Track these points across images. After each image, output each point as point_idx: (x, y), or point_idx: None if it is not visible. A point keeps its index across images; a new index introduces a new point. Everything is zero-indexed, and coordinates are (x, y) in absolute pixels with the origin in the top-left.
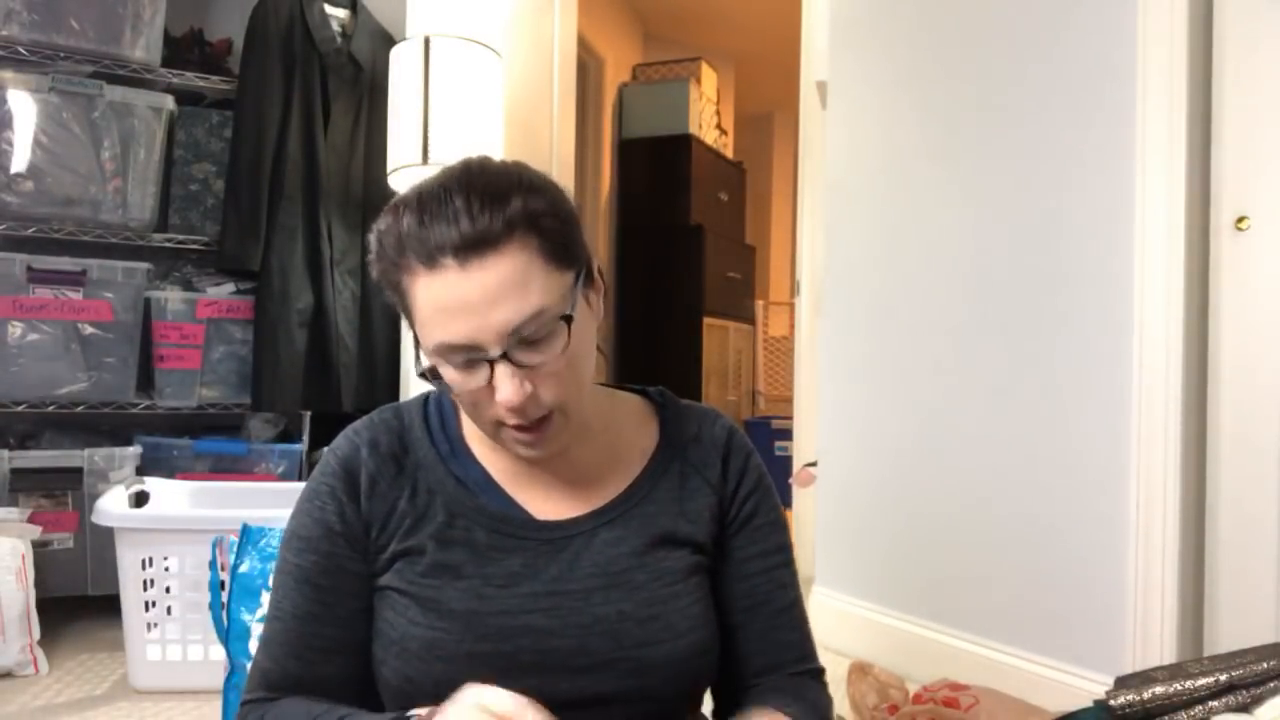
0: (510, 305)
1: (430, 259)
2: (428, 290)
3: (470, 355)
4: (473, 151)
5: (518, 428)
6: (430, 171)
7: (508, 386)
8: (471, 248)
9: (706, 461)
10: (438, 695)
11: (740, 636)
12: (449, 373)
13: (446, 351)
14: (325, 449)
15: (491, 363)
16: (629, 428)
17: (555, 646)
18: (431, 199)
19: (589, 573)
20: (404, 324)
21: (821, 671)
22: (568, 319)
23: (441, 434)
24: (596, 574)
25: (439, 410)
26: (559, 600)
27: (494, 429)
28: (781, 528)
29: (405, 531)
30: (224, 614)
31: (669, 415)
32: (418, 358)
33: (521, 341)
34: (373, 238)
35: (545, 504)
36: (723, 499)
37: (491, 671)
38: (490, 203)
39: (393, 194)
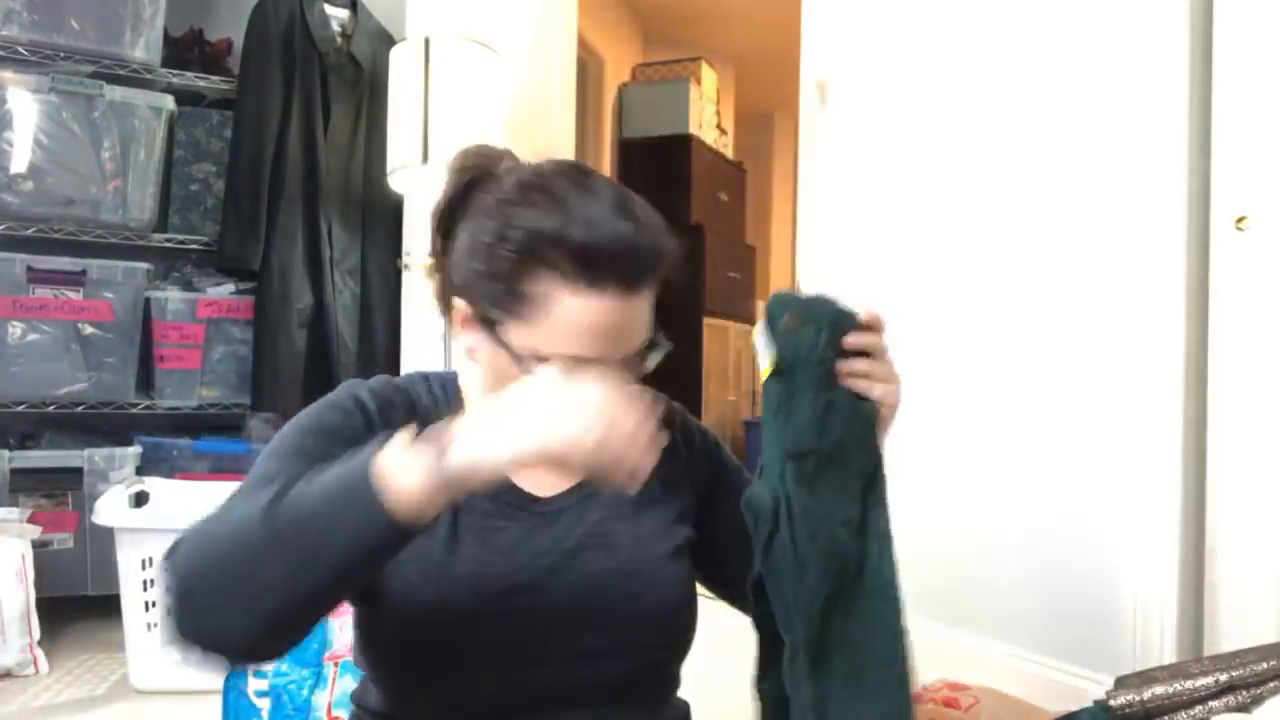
0: (637, 334)
1: (595, 281)
2: (580, 309)
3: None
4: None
5: None
6: (431, 172)
7: None
8: (635, 281)
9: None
10: (439, 650)
11: (736, 564)
12: (544, 370)
13: (569, 363)
14: (338, 389)
15: None
16: None
17: (551, 604)
18: (596, 213)
19: (578, 536)
20: (404, 321)
21: None
22: (654, 343)
23: (447, 411)
24: (585, 536)
25: (443, 390)
26: (554, 561)
27: None
28: (742, 469)
29: None
30: None
31: None
32: (494, 340)
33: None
34: (509, 227)
35: (536, 481)
36: (691, 460)
37: (493, 629)
38: (653, 259)
39: (393, 194)
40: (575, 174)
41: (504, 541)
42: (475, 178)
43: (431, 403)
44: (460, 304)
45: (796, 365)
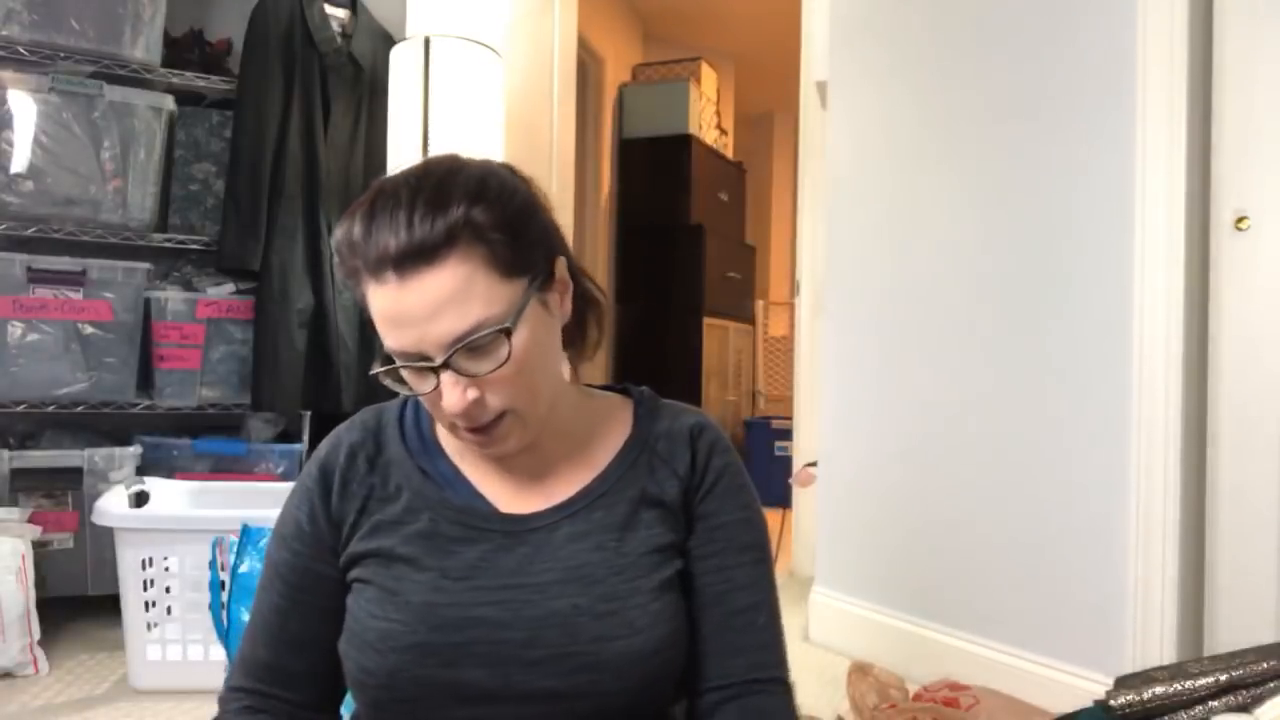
0: (449, 318)
1: (375, 270)
2: (375, 299)
3: (417, 362)
4: (473, 151)
5: (468, 429)
6: None
7: (451, 394)
8: (410, 260)
9: (674, 453)
10: (391, 686)
11: (695, 636)
12: (406, 374)
13: (398, 356)
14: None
15: (436, 371)
16: (603, 426)
17: (507, 638)
18: (381, 202)
19: (547, 566)
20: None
21: (784, 682)
22: (507, 331)
23: (415, 431)
24: (555, 568)
25: (415, 409)
26: (514, 593)
27: (450, 427)
28: (751, 526)
29: (373, 528)
30: (224, 614)
31: (643, 412)
32: (377, 357)
33: (464, 351)
34: (333, 243)
35: (511, 498)
36: (688, 490)
37: (443, 663)
38: (432, 211)
39: None
40: (408, 169)
41: (461, 564)
42: None
43: (398, 430)
44: None
45: None
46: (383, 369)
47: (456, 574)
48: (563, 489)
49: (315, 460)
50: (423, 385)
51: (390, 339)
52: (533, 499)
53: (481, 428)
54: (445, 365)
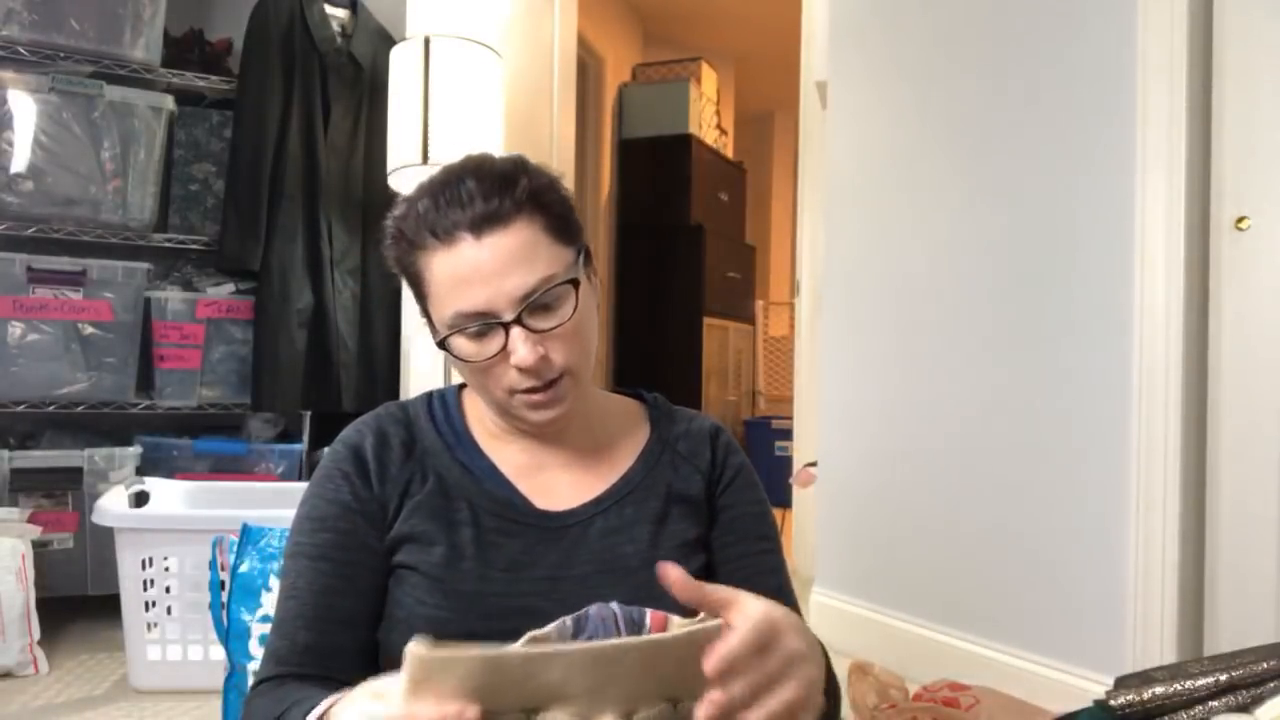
0: (521, 274)
1: (447, 234)
2: (444, 264)
3: (485, 322)
4: (473, 151)
5: (529, 391)
6: (430, 171)
7: (523, 348)
8: (485, 223)
9: (696, 450)
10: None
11: None
12: (463, 344)
13: (463, 321)
14: (335, 440)
15: (506, 328)
16: (622, 426)
17: None
18: (444, 186)
19: (586, 559)
20: (404, 320)
21: None
22: (574, 283)
23: (447, 425)
24: (593, 561)
25: (443, 405)
26: (559, 585)
27: (506, 398)
28: (766, 520)
29: (414, 515)
30: (224, 614)
31: (658, 415)
32: (434, 331)
33: (533, 307)
34: (388, 225)
35: (545, 494)
36: (710, 483)
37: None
38: (499, 185)
39: (393, 194)
40: (452, 165)
41: (505, 557)
42: None
43: (430, 423)
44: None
45: None
46: (451, 331)
47: (501, 565)
48: (592, 486)
49: (345, 446)
50: (488, 348)
51: (461, 300)
52: (564, 495)
53: (543, 387)
54: (517, 320)
